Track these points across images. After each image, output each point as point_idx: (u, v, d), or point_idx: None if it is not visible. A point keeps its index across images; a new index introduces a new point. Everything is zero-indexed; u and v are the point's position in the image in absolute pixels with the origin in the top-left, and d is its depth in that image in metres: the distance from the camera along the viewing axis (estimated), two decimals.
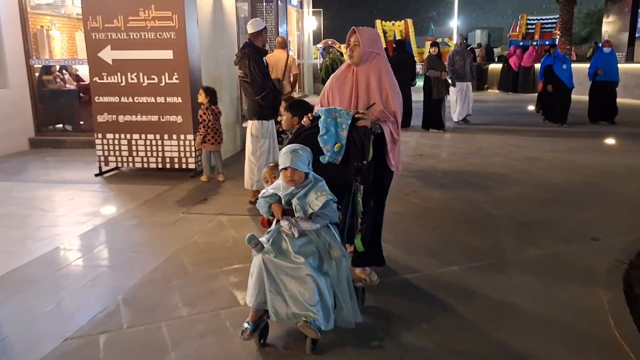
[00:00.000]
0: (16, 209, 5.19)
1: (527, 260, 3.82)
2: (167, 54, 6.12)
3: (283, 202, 2.68)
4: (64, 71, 9.46)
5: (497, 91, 19.43)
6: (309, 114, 3.07)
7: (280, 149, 2.94)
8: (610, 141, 8.90)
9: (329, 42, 26.55)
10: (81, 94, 9.28)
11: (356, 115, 2.91)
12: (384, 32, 31.97)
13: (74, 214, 5.01)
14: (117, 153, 6.50)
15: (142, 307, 3.15)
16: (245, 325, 2.60)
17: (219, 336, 2.81)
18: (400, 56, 10.03)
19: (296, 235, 2.60)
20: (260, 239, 2.60)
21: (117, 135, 6.45)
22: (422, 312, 3.04)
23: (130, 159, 6.51)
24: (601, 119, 10.65)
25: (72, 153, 8.14)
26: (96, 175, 6.56)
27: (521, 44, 27.88)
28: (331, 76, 3.36)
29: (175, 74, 6.17)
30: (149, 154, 6.46)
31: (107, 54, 6.22)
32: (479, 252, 3.94)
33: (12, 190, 5.94)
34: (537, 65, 16.69)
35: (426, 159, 7.47)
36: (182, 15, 6.02)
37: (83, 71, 9.43)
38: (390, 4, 54.40)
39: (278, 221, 2.70)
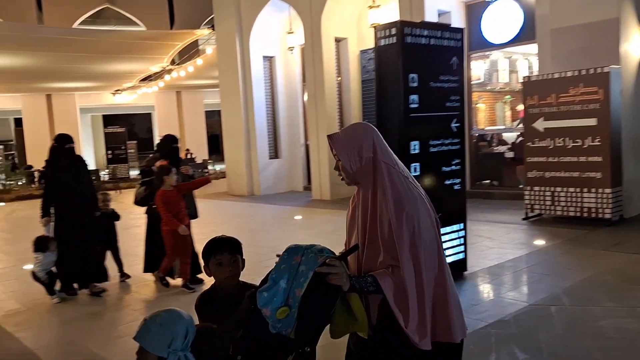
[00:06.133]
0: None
1: None
2: (592, 122, 7.37)
3: None
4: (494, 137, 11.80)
5: None
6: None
7: None
8: None
9: None
10: (506, 156, 11.34)
11: (317, 269, 1.87)
12: None
13: (513, 243, 6.79)
14: (542, 202, 8.04)
15: (576, 296, 4.56)
16: None
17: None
18: None
19: None
20: None
21: (542, 188, 8.00)
22: None
23: (552, 207, 7.93)
24: None
25: (499, 203, 10.11)
26: (523, 219, 8.23)
27: None
28: None
29: (598, 137, 7.34)
30: (569, 204, 7.73)
31: (540, 124, 7.93)
32: None
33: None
34: None
35: None
36: (608, 89, 7.20)
37: (505, 136, 11.53)
38: None
39: None
